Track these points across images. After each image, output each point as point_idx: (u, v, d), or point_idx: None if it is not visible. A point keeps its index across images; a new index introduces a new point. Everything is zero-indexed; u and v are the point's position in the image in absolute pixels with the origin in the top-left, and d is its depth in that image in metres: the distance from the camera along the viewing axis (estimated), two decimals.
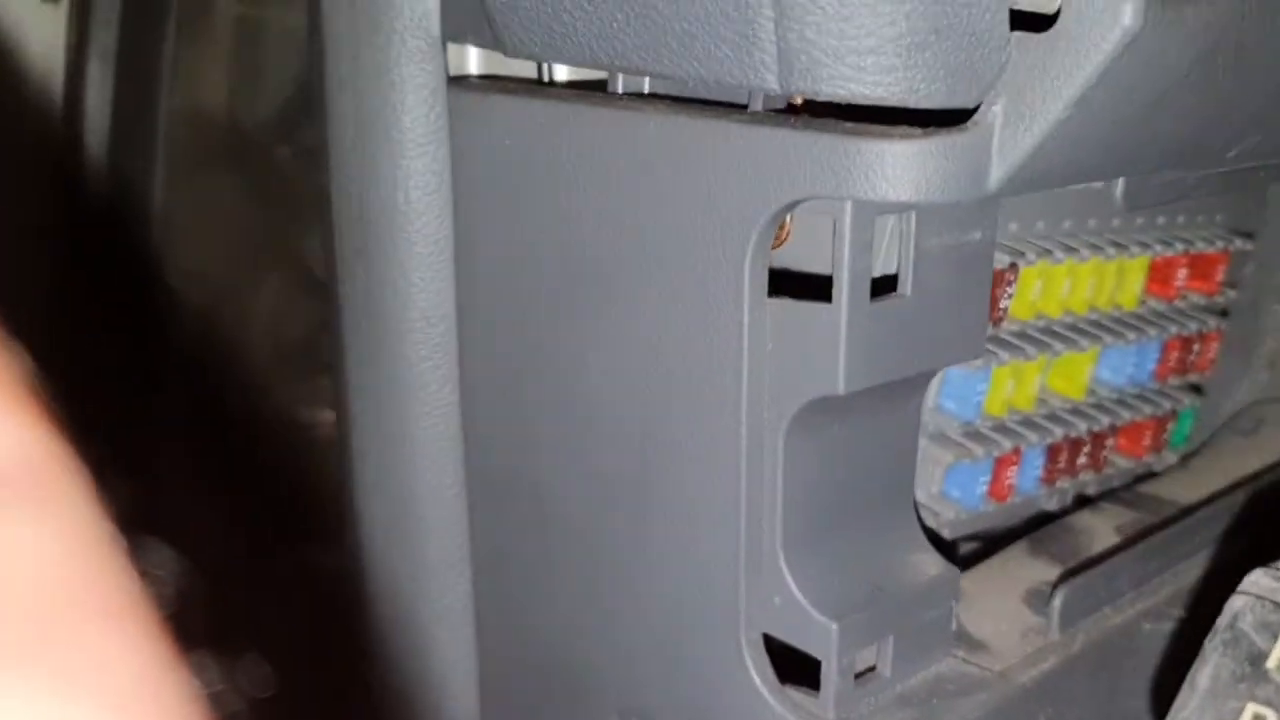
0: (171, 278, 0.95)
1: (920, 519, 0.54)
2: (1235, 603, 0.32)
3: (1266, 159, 0.52)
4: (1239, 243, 0.63)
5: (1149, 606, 0.53)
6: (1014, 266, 0.52)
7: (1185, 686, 0.32)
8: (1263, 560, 0.56)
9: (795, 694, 0.45)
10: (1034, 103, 0.37)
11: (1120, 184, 0.46)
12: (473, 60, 0.51)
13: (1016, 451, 0.57)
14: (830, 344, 0.40)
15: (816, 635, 0.43)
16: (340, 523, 0.59)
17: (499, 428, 0.52)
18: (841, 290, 0.40)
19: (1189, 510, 0.59)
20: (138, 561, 0.19)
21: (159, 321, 0.95)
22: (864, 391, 0.42)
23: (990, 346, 0.53)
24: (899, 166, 0.37)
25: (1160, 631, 0.53)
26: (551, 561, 0.51)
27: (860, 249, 0.39)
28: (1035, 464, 0.59)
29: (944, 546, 0.58)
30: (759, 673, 0.44)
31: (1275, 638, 0.31)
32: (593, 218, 0.45)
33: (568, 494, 0.49)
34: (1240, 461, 0.66)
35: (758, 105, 0.42)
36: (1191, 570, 0.56)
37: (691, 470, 0.44)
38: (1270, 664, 0.31)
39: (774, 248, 0.43)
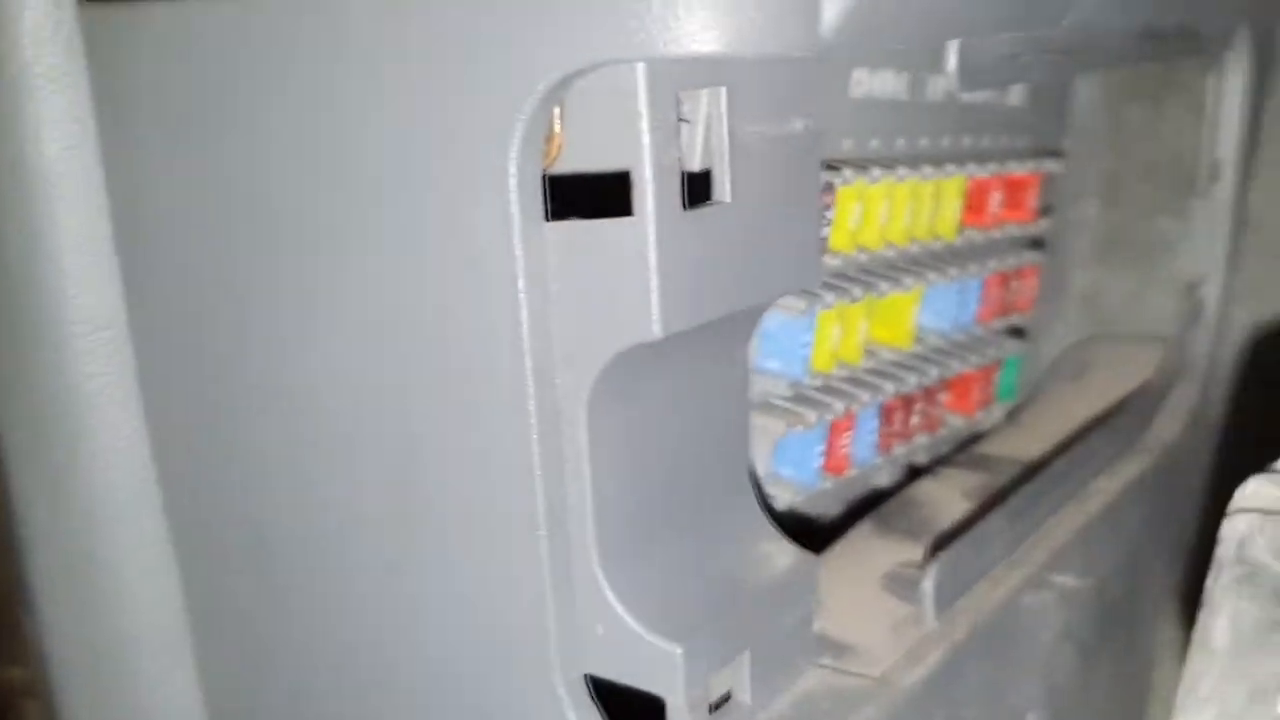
0: None
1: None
2: (1237, 524, 0.23)
3: (1092, 39, 0.45)
4: (1048, 164, 0.56)
5: (1026, 576, 0.45)
6: (830, 186, 0.42)
7: (1196, 648, 0.22)
8: (1126, 515, 0.49)
9: None
10: None
11: (954, 58, 0.38)
12: None
13: (849, 415, 0.47)
14: (637, 271, 0.29)
15: (656, 667, 0.32)
16: (12, 621, 0.45)
17: (201, 456, 0.38)
18: (645, 194, 0.29)
19: (1037, 467, 0.52)
20: None
21: None
22: (684, 336, 0.31)
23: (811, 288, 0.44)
24: (703, 3, 0.27)
25: (1043, 603, 0.45)
26: (291, 626, 0.38)
27: (664, 135, 0.29)
28: (870, 428, 0.50)
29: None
30: None
31: None
32: (294, 150, 0.33)
33: (302, 533, 0.36)
34: (1074, 407, 0.59)
35: None
36: (1059, 528, 0.48)
37: (466, 472, 0.32)
38: None
39: (544, 167, 0.32)
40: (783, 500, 0.46)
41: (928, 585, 0.41)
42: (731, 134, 0.31)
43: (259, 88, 0.33)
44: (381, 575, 0.35)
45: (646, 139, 0.29)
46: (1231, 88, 0.60)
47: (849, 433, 0.48)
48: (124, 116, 0.36)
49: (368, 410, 0.34)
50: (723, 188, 0.31)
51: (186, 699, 0.41)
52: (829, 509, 0.51)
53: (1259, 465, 0.57)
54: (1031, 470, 0.52)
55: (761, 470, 0.46)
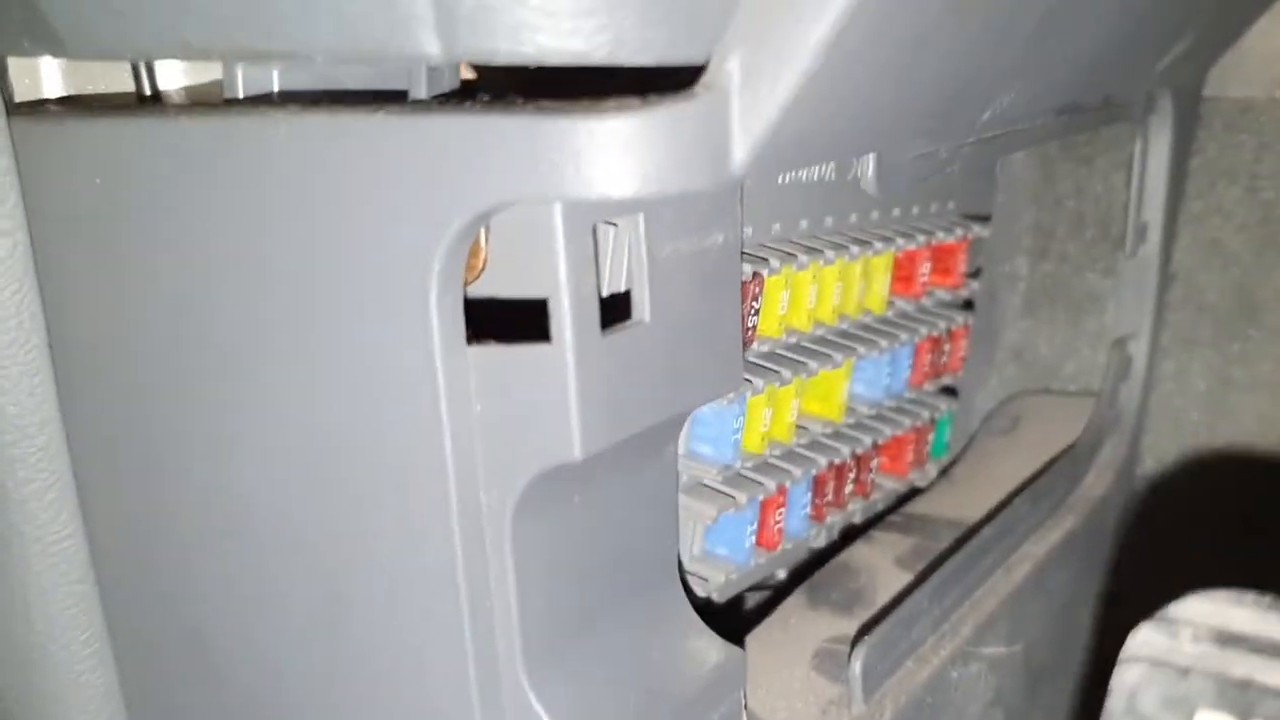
0: None
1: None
2: (1127, 675, 0.23)
3: (1013, 124, 0.46)
4: (976, 229, 0.57)
5: (953, 650, 0.45)
6: (757, 277, 0.43)
7: None
8: (1056, 578, 0.49)
9: None
10: (777, 51, 0.28)
11: (871, 165, 0.38)
12: (49, 79, 0.38)
13: (782, 490, 0.48)
14: (556, 396, 0.30)
15: None
16: None
17: (139, 560, 0.38)
18: (562, 322, 0.29)
19: (970, 530, 0.53)
20: None
21: None
22: (606, 450, 0.32)
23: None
24: (616, 150, 0.27)
25: (969, 676, 0.46)
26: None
27: (580, 267, 0.29)
28: (802, 501, 0.51)
29: (716, 615, 0.49)
30: None
31: (1190, 717, 0.22)
32: (225, 267, 0.33)
33: (239, 639, 0.37)
34: (1006, 465, 0.60)
35: (420, 90, 0.31)
36: (989, 598, 0.49)
37: (393, 588, 0.33)
38: None
39: (468, 282, 0.33)
40: (716, 581, 0.46)
41: (856, 667, 0.41)
42: (650, 255, 0.31)
43: (188, 209, 0.33)
44: (313, 682, 0.35)
45: (563, 273, 0.29)
46: (1156, 151, 0.61)
47: (782, 509, 0.49)
48: (56, 230, 0.36)
49: (298, 525, 0.34)
50: (641, 307, 0.32)
51: None
52: (765, 576, 0.51)
53: (1183, 520, 0.58)
54: (963, 533, 0.53)
55: (695, 551, 0.46)
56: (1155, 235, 0.62)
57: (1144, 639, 0.24)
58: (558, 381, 0.30)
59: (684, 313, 0.33)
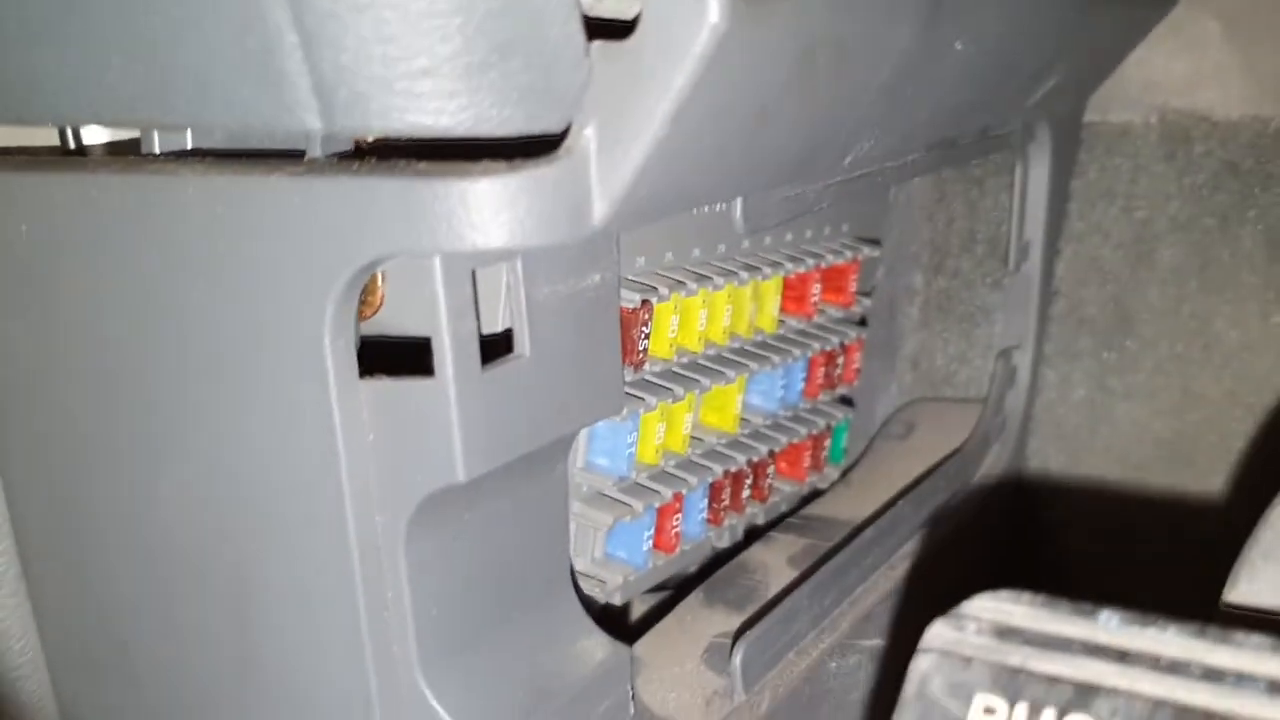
0: None
1: (581, 593, 0.48)
2: (920, 664, 0.27)
3: (884, 162, 0.49)
4: (867, 250, 0.61)
5: (833, 643, 0.49)
6: (646, 304, 0.46)
7: None
8: (939, 574, 0.53)
9: None
10: (628, 121, 0.31)
11: (739, 205, 0.42)
12: None
13: (678, 498, 0.51)
14: (440, 425, 0.33)
15: None
16: None
17: (71, 583, 0.41)
18: (444, 360, 0.32)
19: (858, 529, 0.56)
20: None
21: None
22: (492, 472, 0.35)
23: (635, 392, 0.47)
24: (485, 208, 0.30)
25: (848, 667, 0.49)
26: None
27: (459, 310, 0.32)
28: (699, 506, 0.54)
29: (616, 615, 0.52)
30: None
31: (969, 701, 0.26)
32: (142, 311, 0.36)
33: (161, 652, 0.39)
34: (899, 467, 0.64)
35: (316, 151, 0.34)
36: (868, 594, 0.53)
37: (296, 601, 0.36)
38: None
39: (366, 317, 0.36)
40: (615, 582, 0.49)
41: (736, 661, 0.45)
42: (528, 296, 0.35)
43: (108, 257, 0.35)
44: (227, 688, 0.38)
45: (443, 315, 0.32)
46: (1036, 175, 0.65)
47: (678, 514, 0.52)
48: None
49: (210, 546, 0.37)
50: (522, 343, 0.35)
51: None
52: (670, 575, 0.54)
53: (1062, 520, 0.61)
54: (851, 534, 0.56)
55: (595, 555, 0.50)
56: (1036, 253, 0.66)
57: (937, 632, 0.27)
58: (441, 412, 0.33)
59: (563, 346, 0.36)
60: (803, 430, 0.59)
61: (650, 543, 0.51)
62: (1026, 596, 0.28)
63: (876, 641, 0.51)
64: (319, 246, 0.32)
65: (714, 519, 0.55)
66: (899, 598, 0.53)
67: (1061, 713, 0.25)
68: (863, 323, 0.63)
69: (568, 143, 0.31)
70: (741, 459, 0.54)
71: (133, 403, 0.36)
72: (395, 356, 0.35)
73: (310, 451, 0.34)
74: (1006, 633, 0.27)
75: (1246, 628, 0.25)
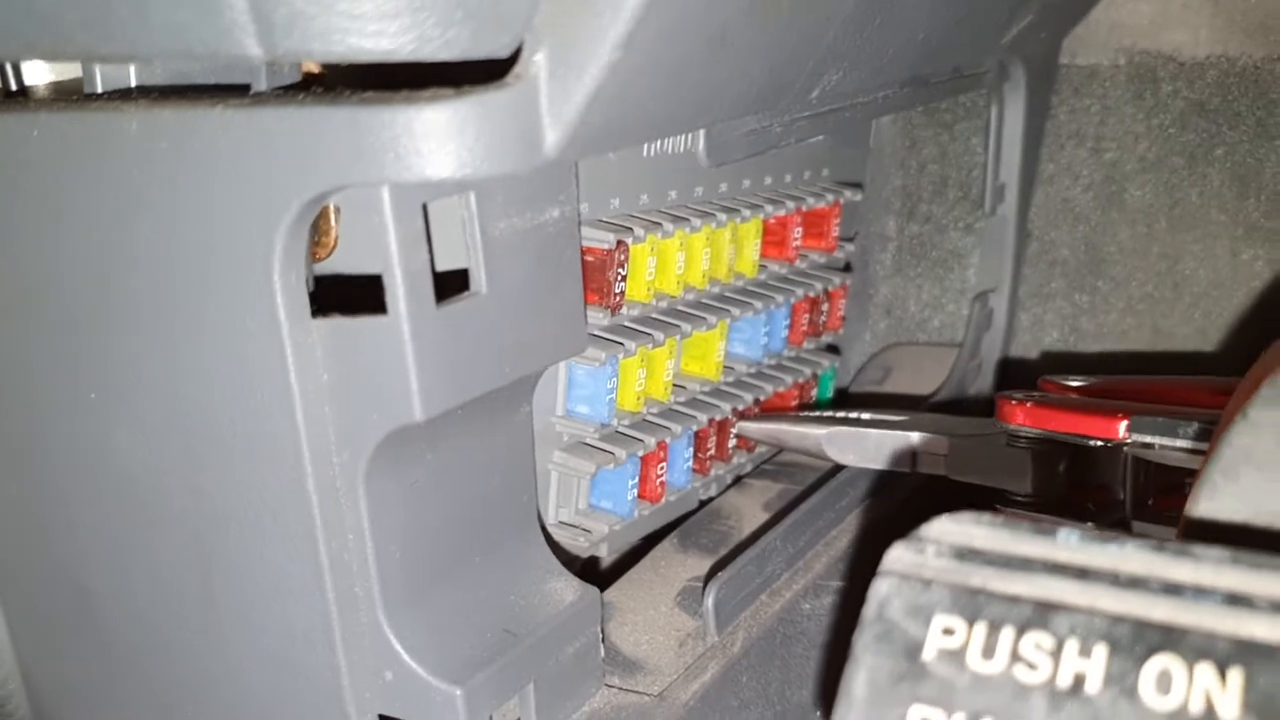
0: None
1: (557, 544, 0.47)
2: (880, 587, 0.26)
3: (853, 98, 0.48)
4: (848, 194, 0.60)
5: (806, 584, 0.48)
6: (622, 245, 0.45)
7: (841, 696, 0.26)
8: (915, 515, 0.53)
9: None
10: (580, 45, 0.30)
11: (702, 140, 0.41)
12: None
13: (662, 446, 0.51)
14: (395, 363, 0.32)
15: (439, 707, 0.35)
16: None
17: (27, 529, 0.40)
18: (396, 296, 0.32)
19: (833, 473, 0.55)
20: None
21: None
22: (453, 410, 0.34)
23: (613, 337, 0.47)
24: (432, 136, 0.29)
25: (821, 608, 0.49)
26: (116, 681, 0.40)
27: (410, 243, 0.31)
28: (684, 455, 0.53)
29: (597, 567, 0.51)
30: None
31: (928, 622, 0.25)
32: (90, 251, 0.35)
33: (122, 597, 0.38)
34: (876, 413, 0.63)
35: (260, 84, 0.33)
36: (843, 536, 0.52)
37: (258, 543, 0.35)
38: (927, 655, 0.25)
39: (321, 258, 0.35)
40: (601, 532, 0.48)
41: (709, 601, 0.44)
42: (483, 231, 0.34)
43: (54, 198, 0.34)
44: (190, 631, 0.37)
45: (394, 249, 0.31)
46: (1011, 117, 0.64)
47: (663, 463, 0.51)
48: None
49: (167, 488, 0.36)
50: (478, 280, 0.34)
51: None
52: (657, 527, 0.54)
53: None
54: (825, 477, 0.55)
55: (580, 505, 0.49)
56: (1012, 196, 0.65)
57: (896, 555, 0.26)
58: (395, 350, 0.32)
59: (522, 283, 0.35)
60: (788, 379, 0.58)
61: (635, 492, 0.50)
62: (987, 518, 0.27)
63: (851, 582, 0.51)
64: (266, 180, 0.31)
65: (700, 469, 0.54)
66: (874, 539, 0.53)
67: (1020, 631, 0.25)
68: (847, 268, 0.63)
69: (517, 68, 0.30)
70: (726, 407, 0.54)
71: (85, 344, 0.35)
72: (351, 301, 0.34)
73: (265, 392, 0.33)
74: (966, 554, 0.26)
75: (1206, 543, 0.25)
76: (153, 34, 0.29)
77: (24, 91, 0.37)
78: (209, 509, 0.35)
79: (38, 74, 0.37)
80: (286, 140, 0.30)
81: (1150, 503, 0.45)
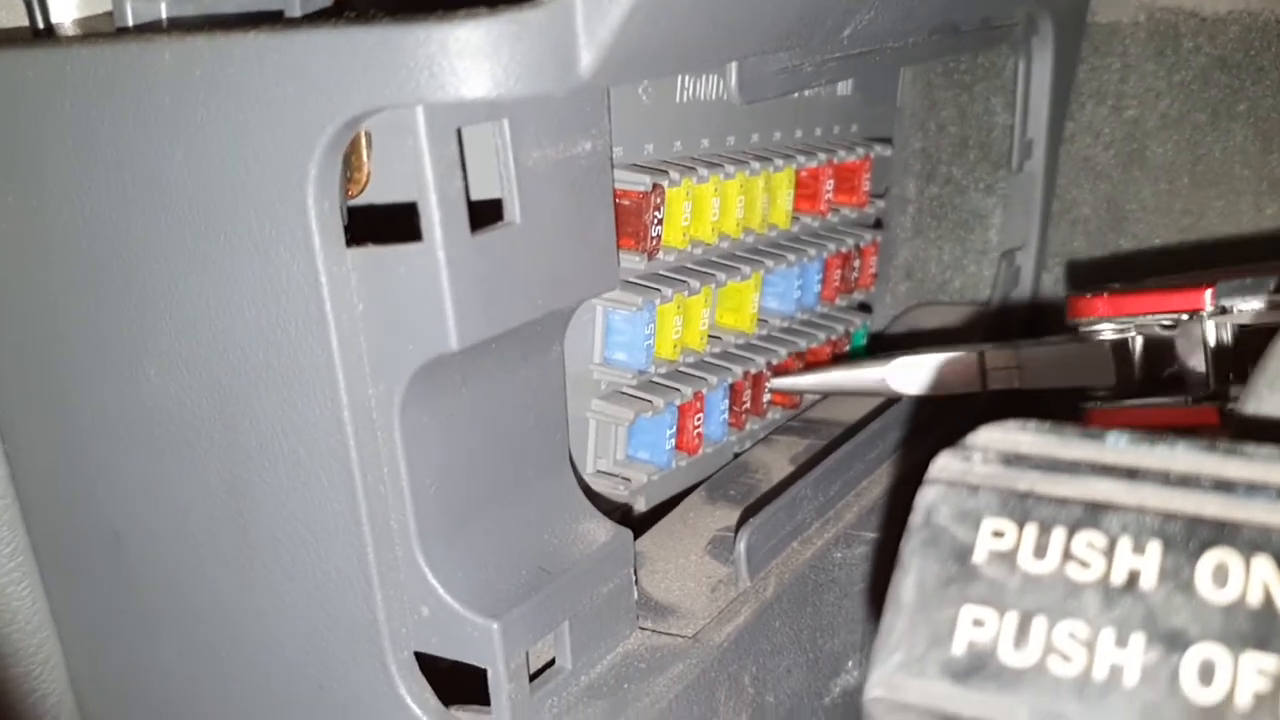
0: None
1: (592, 492, 0.47)
2: (927, 494, 0.26)
3: (883, 41, 0.48)
4: (879, 149, 0.59)
5: (838, 533, 0.48)
6: (658, 188, 0.45)
7: (889, 604, 0.26)
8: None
9: (463, 715, 0.36)
10: None
11: (734, 75, 0.41)
12: None
13: (699, 397, 0.50)
14: (431, 292, 0.32)
15: (475, 641, 0.35)
16: None
17: (60, 476, 0.40)
18: (432, 223, 0.31)
19: (858, 427, 0.55)
20: None
21: None
22: (487, 344, 0.34)
23: (649, 284, 0.47)
24: (467, 55, 0.29)
25: (853, 556, 0.49)
26: (150, 618, 0.40)
27: (445, 168, 0.31)
28: (720, 407, 0.53)
29: (629, 521, 0.51)
30: (415, 699, 0.35)
31: (977, 526, 0.25)
32: (124, 185, 0.34)
33: (156, 538, 0.39)
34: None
35: (294, 9, 0.33)
36: (874, 487, 0.52)
37: (292, 478, 0.35)
38: (977, 558, 0.25)
39: (354, 195, 0.35)
40: (640, 482, 0.48)
41: (740, 548, 0.44)
42: (517, 160, 0.33)
43: (86, 133, 0.34)
44: (225, 569, 0.37)
45: (429, 175, 0.31)
46: (1039, 71, 0.63)
47: (700, 414, 0.51)
48: None
49: (202, 423, 0.36)
50: (512, 210, 0.34)
51: (57, 697, 0.43)
52: (692, 482, 0.54)
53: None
54: (851, 431, 0.55)
55: (618, 455, 0.49)
56: (1039, 152, 0.65)
57: (942, 464, 0.26)
58: (431, 277, 0.32)
59: (555, 215, 0.35)
60: (821, 335, 0.58)
61: (673, 442, 0.50)
62: (1033, 424, 0.27)
63: (882, 532, 0.51)
64: (301, 104, 0.30)
65: (735, 422, 0.54)
66: (904, 490, 0.52)
67: (1071, 531, 0.25)
68: (877, 225, 0.62)
69: None
70: (761, 361, 0.54)
71: (119, 281, 0.35)
72: (384, 235, 0.34)
73: (299, 322, 0.33)
74: (1014, 459, 0.26)
75: (1257, 442, 0.25)
76: None
77: (50, 30, 0.37)
78: (242, 444, 0.35)
79: (65, 10, 0.37)
80: (321, 63, 0.30)
81: (1230, 376, 0.44)
